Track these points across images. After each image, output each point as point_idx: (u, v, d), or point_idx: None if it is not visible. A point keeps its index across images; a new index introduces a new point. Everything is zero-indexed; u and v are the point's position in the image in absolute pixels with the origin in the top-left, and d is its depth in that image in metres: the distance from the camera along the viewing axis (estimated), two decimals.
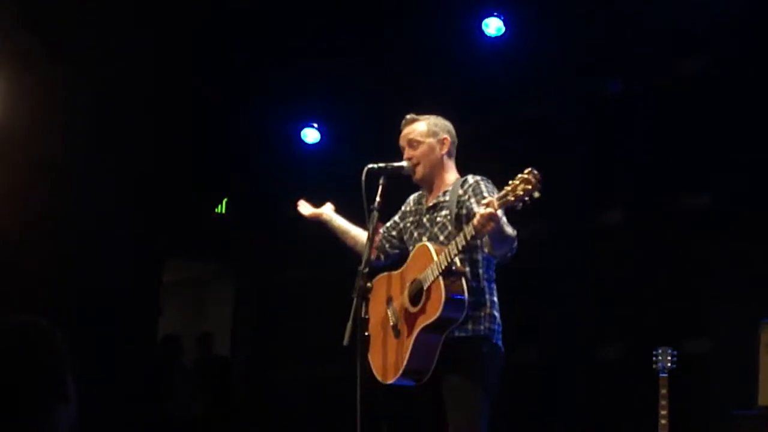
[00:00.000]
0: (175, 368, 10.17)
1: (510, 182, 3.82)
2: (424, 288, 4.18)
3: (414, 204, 4.61)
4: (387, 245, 4.66)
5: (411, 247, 4.47)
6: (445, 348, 4.19)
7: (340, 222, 4.81)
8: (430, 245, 4.24)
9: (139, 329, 8.71)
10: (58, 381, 1.80)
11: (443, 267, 4.09)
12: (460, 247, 4.04)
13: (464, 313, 4.12)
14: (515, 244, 4.10)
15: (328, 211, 4.87)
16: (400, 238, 4.63)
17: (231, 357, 10.36)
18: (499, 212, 3.86)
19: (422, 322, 4.16)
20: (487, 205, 3.84)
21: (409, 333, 4.22)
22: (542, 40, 7.15)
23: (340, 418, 5.00)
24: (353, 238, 4.72)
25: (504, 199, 3.80)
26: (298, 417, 8.94)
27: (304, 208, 4.96)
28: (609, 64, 7.12)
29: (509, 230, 4.02)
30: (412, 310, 4.22)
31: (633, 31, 6.85)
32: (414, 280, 4.26)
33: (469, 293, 4.14)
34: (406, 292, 4.29)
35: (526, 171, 3.78)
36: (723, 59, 6.47)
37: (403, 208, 4.68)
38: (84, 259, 7.98)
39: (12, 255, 7.53)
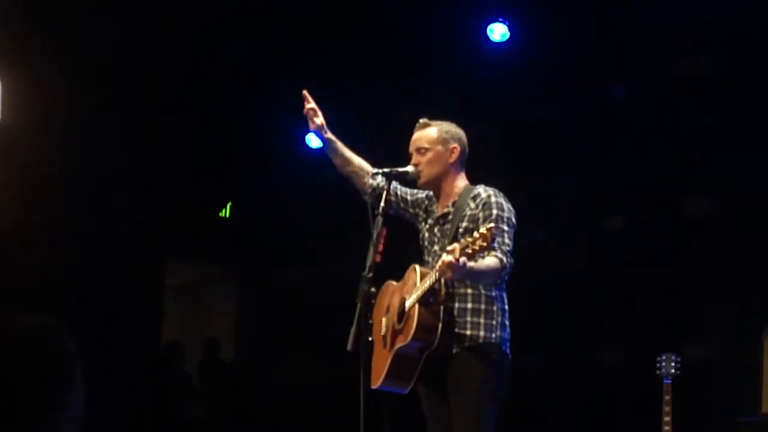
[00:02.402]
0: (178, 371, 10.17)
1: (476, 233, 3.92)
2: (406, 309, 4.24)
3: (428, 203, 4.58)
4: (393, 204, 4.59)
5: (426, 252, 4.49)
6: (455, 354, 4.23)
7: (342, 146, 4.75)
8: (418, 268, 4.30)
9: (141, 332, 8.71)
10: (60, 386, 1.78)
11: (421, 295, 4.16)
12: (426, 287, 4.14)
13: (436, 341, 4.15)
14: (504, 271, 4.16)
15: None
16: (403, 204, 4.62)
17: (233, 360, 10.36)
18: (462, 259, 3.89)
19: (399, 342, 4.23)
20: (451, 251, 3.91)
21: (391, 348, 4.29)
22: (546, 46, 7.16)
23: (343, 421, 5.00)
24: (352, 164, 4.70)
25: (465, 251, 3.89)
26: (300, 419, 8.94)
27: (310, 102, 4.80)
28: (611, 68, 7.13)
29: (482, 267, 4.07)
30: (397, 326, 4.29)
31: (634, 35, 6.86)
32: (402, 298, 4.31)
33: (445, 320, 4.18)
34: (396, 308, 4.34)
35: (487, 227, 3.92)
36: (724, 62, 6.48)
37: (419, 194, 4.62)
38: (86, 262, 7.98)
39: (13, 258, 7.52)
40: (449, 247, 3.96)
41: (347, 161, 4.71)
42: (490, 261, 4.09)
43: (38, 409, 1.74)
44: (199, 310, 12.26)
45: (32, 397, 1.74)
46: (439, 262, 3.99)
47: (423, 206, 4.59)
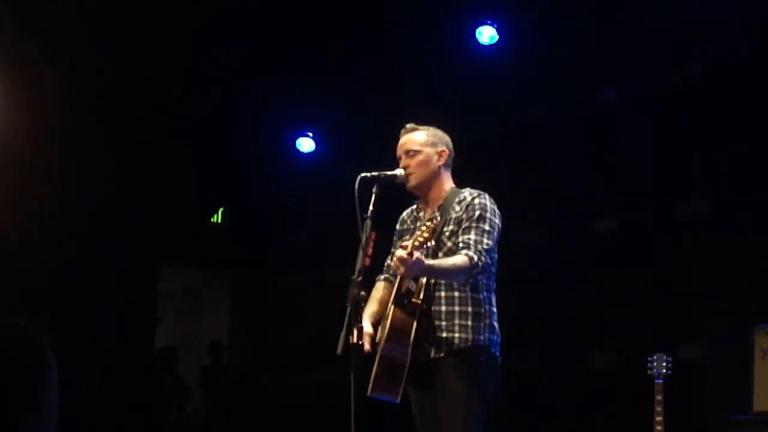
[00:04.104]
0: (172, 376, 10.18)
1: (424, 226, 4.07)
2: (386, 314, 4.27)
3: (410, 221, 4.59)
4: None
5: None
6: (444, 357, 4.24)
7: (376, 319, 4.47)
8: None
9: (136, 337, 8.72)
10: (28, 391, 1.78)
11: (395, 296, 4.20)
12: (399, 288, 4.17)
13: (411, 341, 4.15)
14: (475, 270, 4.16)
15: (370, 329, 4.34)
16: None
17: (228, 364, 10.37)
18: (416, 254, 3.94)
19: (381, 345, 4.21)
20: (404, 248, 3.96)
21: (378, 353, 4.26)
22: (535, 48, 7.17)
23: (336, 424, 5.01)
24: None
25: (414, 245, 3.95)
26: (294, 423, 8.95)
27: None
28: (602, 71, 7.14)
29: (446, 265, 4.11)
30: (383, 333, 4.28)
31: (627, 36, 6.86)
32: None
33: (421, 320, 4.18)
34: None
35: (432, 220, 4.08)
36: (719, 65, 6.48)
37: (398, 227, 4.65)
38: (80, 267, 7.99)
39: (7, 265, 7.53)
40: (403, 243, 4.03)
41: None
42: (456, 259, 4.13)
43: (10, 412, 1.73)
44: (194, 314, 12.28)
45: (4, 399, 1.73)
46: (393, 259, 4.03)
47: (405, 225, 4.61)
